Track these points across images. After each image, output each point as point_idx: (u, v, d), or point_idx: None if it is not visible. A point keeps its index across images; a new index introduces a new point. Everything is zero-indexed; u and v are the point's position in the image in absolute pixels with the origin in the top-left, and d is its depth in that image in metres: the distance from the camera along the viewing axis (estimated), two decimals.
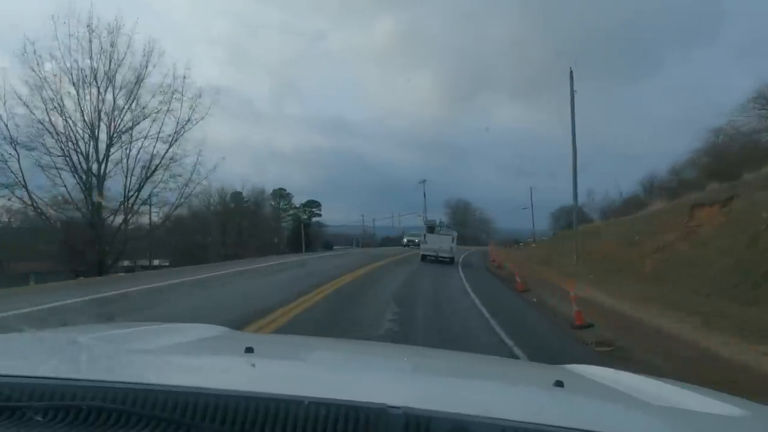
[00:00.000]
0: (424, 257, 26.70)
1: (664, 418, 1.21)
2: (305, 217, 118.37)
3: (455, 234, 29.07)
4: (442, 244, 27.64)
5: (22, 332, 1.83)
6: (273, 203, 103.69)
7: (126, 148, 23.95)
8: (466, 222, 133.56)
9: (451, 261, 26.05)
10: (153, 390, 0.95)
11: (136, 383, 0.99)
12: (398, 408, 0.94)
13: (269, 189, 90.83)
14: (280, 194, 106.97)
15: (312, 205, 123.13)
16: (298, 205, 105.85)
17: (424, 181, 79.72)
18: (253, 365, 1.33)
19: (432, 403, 0.99)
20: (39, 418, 0.92)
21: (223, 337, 1.98)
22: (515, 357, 6.22)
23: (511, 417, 0.98)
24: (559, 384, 1.37)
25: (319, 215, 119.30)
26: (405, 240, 44.78)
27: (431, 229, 28.69)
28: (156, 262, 33.04)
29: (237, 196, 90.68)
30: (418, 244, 30.19)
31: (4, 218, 26.09)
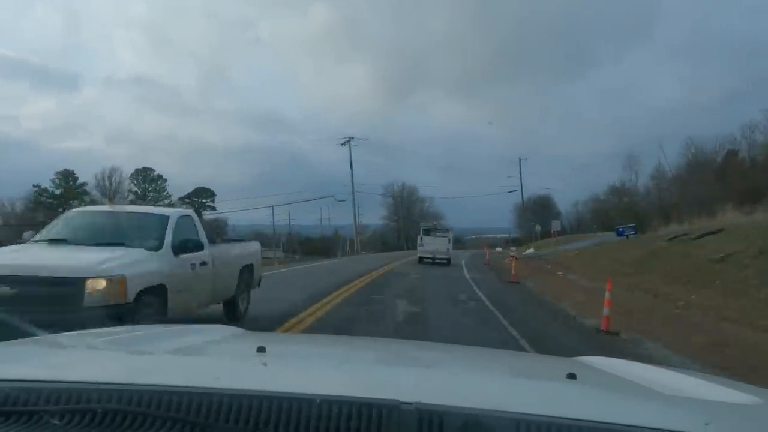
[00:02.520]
0: (421, 259, 29.29)
1: (677, 408, 1.29)
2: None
3: (451, 235, 32.77)
4: (439, 245, 30.16)
5: (36, 336, 1.94)
6: (135, 189, 67.05)
7: None
8: (412, 215, 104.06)
9: (448, 262, 28.64)
10: (167, 391, 1.03)
11: (150, 385, 1.06)
12: (411, 404, 0.99)
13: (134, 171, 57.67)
14: (145, 176, 69.70)
15: (202, 194, 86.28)
16: (183, 195, 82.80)
17: (351, 138, 51.12)
18: (265, 364, 1.42)
19: (445, 398, 1.05)
20: (56, 421, 0.99)
21: (236, 337, 2.10)
22: None
23: (525, 410, 1.03)
24: (572, 376, 1.46)
25: (213, 208, 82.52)
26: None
27: (427, 231, 31.75)
28: None
29: (66, 177, 53.85)
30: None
31: None
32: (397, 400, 1.00)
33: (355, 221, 51.54)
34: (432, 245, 29.70)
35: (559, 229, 50.50)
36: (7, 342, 1.64)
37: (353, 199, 53.43)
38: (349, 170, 52.41)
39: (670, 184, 44.20)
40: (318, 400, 0.99)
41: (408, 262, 27.97)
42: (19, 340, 1.74)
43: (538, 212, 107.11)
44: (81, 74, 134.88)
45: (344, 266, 23.75)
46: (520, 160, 56.38)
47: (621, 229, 31.17)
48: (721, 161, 39.67)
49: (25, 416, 1.00)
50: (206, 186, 73.15)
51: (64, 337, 1.90)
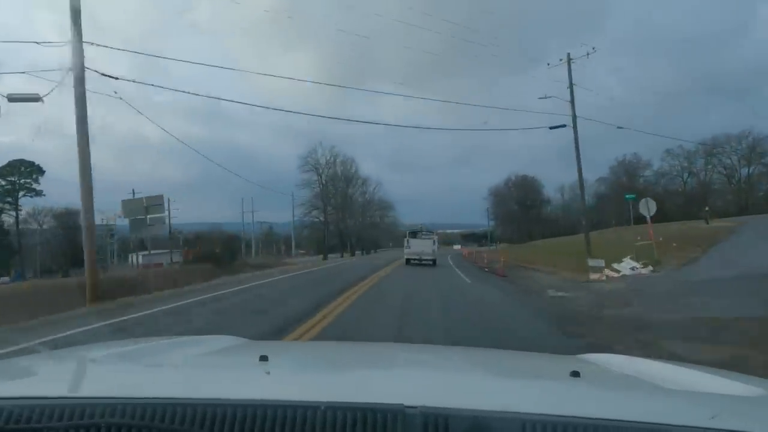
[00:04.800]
0: (408, 261, 34.02)
1: (682, 403, 1.39)
2: None
3: (436, 237, 36.79)
4: (425, 247, 33.70)
5: (39, 353, 2.22)
6: None
7: None
8: (348, 202, 71.83)
9: (433, 263, 33.08)
10: (171, 404, 1.10)
11: (153, 398, 1.13)
12: (415, 407, 1.07)
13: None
14: None
15: (19, 170, 46.08)
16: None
17: None
18: (268, 373, 1.51)
19: (449, 401, 1.12)
20: None
21: (238, 347, 2.24)
22: None
23: (530, 410, 1.10)
24: (575, 374, 1.55)
25: (36, 192, 44.37)
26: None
27: (414, 234, 35.89)
28: None
29: None
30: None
31: None
32: (402, 404, 1.06)
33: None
34: (418, 247, 34.06)
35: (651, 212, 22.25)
36: (9, 359, 1.79)
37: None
38: None
39: None
40: (322, 407, 1.05)
41: None
42: (21, 357, 1.89)
43: (520, 198, 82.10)
44: None
45: None
46: (569, 58, 27.35)
47: None
48: None
49: None
50: (30, 160, 43.19)
51: (66, 352, 2.05)
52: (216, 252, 41.20)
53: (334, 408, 1.04)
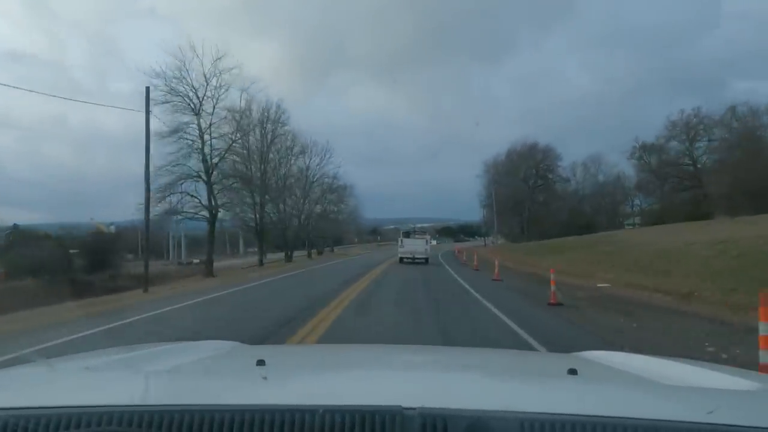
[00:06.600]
0: (401, 259, 39.73)
1: (680, 398, 1.47)
2: None
3: (428, 237, 45.17)
4: (417, 247, 38.69)
5: (34, 362, 2.16)
6: None
7: None
8: (275, 174, 44.58)
9: (426, 261, 39.08)
10: (168, 411, 1.18)
11: (152, 405, 1.24)
12: (414, 409, 1.15)
13: None
14: None
15: None
16: None
17: None
18: (265, 377, 1.59)
19: (447, 401, 1.21)
20: None
21: (235, 351, 2.50)
22: None
23: (528, 409, 1.19)
24: (573, 372, 1.67)
25: None
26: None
27: (407, 234, 41.73)
28: None
29: None
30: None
31: None
32: (400, 406, 1.12)
33: None
34: (411, 246, 38.72)
35: None
36: (4, 369, 1.90)
37: None
38: None
39: None
40: (321, 411, 1.11)
41: None
42: (16, 366, 2.01)
43: (531, 171, 60.56)
44: None
45: None
46: None
47: None
48: None
49: None
50: None
51: (62, 360, 2.20)
52: (51, 262, 31.32)
53: (332, 411, 1.09)
